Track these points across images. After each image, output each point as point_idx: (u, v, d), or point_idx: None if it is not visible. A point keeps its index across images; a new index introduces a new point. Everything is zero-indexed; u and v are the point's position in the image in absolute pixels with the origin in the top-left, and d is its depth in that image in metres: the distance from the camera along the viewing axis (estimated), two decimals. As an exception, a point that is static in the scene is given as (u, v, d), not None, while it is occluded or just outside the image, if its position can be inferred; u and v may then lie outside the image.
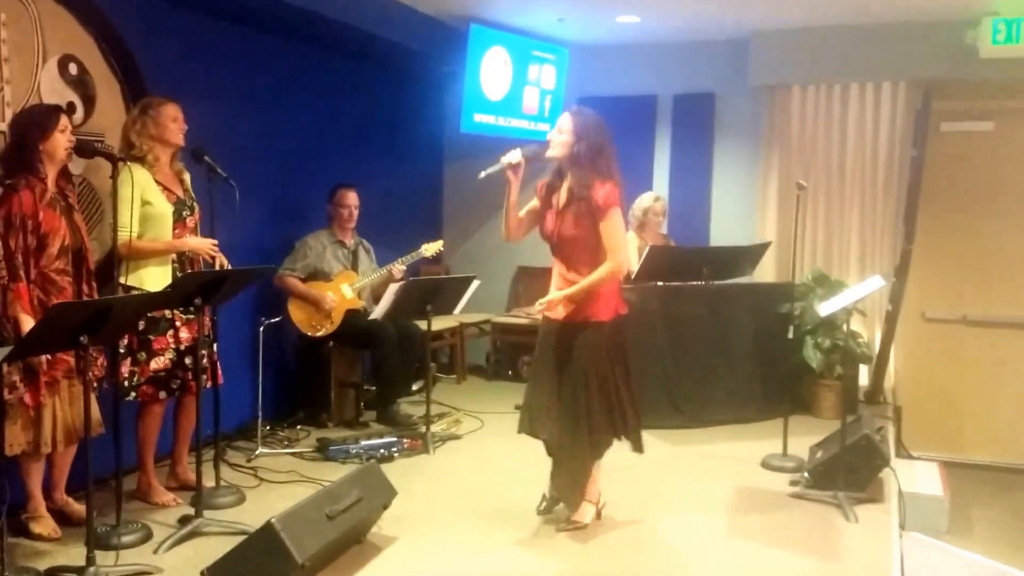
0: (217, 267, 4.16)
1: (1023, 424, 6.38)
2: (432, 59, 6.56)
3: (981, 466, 6.34)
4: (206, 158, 4.17)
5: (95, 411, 3.63)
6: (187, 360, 4.11)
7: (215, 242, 4.15)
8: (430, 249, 5.65)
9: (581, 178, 3.79)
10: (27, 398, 3.47)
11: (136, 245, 3.95)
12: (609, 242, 3.78)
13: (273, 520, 3.10)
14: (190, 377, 4.11)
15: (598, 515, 4.05)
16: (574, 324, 3.85)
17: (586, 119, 3.86)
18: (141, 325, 3.97)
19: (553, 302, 3.86)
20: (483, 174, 3.91)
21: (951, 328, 6.59)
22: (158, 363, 4.05)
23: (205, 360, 4.06)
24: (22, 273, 3.47)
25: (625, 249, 3.99)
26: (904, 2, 5.69)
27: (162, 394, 4.10)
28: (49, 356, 3.49)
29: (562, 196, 3.90)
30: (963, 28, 5.83)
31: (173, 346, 4.09)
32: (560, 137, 3.84)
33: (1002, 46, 5.66)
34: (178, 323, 4.10)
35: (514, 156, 3.86)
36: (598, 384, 3.83)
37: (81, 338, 3.10)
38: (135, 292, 3.94)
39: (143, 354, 4.03)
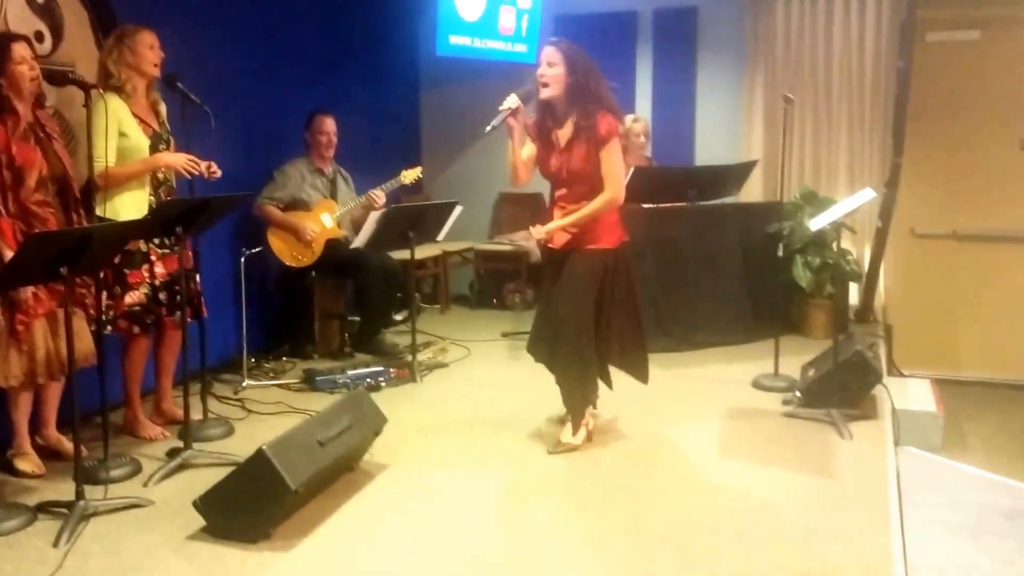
0: (203, 172, 4.00)
1: (1015, 340, 6.39)
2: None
3: (973, 382, 6.36)
4: (179, 84, 4.03)
5: (88, 342, 3.58)
6: (162, 296, 4.02)
7: (191, 157, 3.99)
8: (409, 176, 5.53)
9: (584, 110, 3.76)
10: (19, 329, 3.38)
11: (111, 171, 3.82)
12: (608, 170, 3.79)
13: (264, 447, 3.04)
14: (164, 312, 4.03)
15: (589, 437, 4.03)
16: (575, 251, 3.87)
17: (573, 49, 3.79)
18: (116, 259, 3.85)
19: (552, 231, 3.88)
20: (488, 128, 3.85)
21: (941, 243, 6.55)
22: (132, 297, 3.96)
23: (192, 291, 3.97)
24: (1, 208, 3.35)
25: (622, 178, 3.96)
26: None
27: (136, 328, 4.01)
28: (34, 291, 3.39)
29: (564, 132, 3.85)
30: (951, -68, 5.70)
31: (148, 281, 3.99)
32: (552, 71, 3.77)
33: (988, -49, 5.53)
34: (153, 257, 4.00)
35: (512, 101, 3.82)
36: (584, 303, 3.83)
37: (61, 269, 3.00)
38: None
39: (118, 288, 3.93)
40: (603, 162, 3.78)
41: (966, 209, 6.46)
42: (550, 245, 3.94)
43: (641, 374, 4.09)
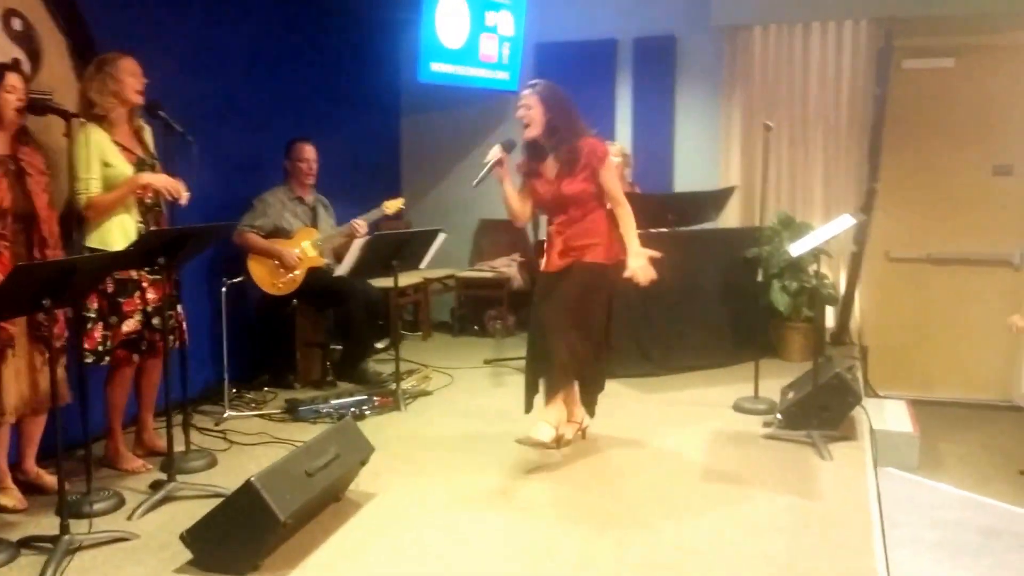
0: (183, 198, 3.98)
1: (988, 360, 6.47)
2: (387, 7, 6.40)
3: (947, 403, 6.42)
4: (161, 112, 4.01)
5: (45, 382, 3.52)
6: (155, 321, 4.00)
7: (173, 181, 3.97)
8: (392, 206, 5.54)
9: (565, 144, 4.05)
10: None
11: (95, 200, 3.81)
12: (612, 187, 4.10)
13: (253, 479, 3.02)
14: (157, 338, 4.01)
15: (559, 441, 4.14)
16: (576, 264, 4.08)
17: (548, 89, 4.09)
18: (111, 288, 3.86)
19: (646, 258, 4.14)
20: (476, 182, 4.09)
21: (915, 267, 6.63)
22: (129, 325, 3.94)
23: (171, 321, 3.96)
24: None
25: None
26: (865, -61, 5.64)
27: (135, 356, 4.01)
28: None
29: (550, 164, 4.13)
30: (924, -36, 5.82)
31: (141, 307, 3.97)
32: (531, 113, 4.05)
33: (962, -19, 5.65)
34: (144, 284, 3.98)
35: (495, 153, 4.08)
36: (575, 309, 4.01)
37: (44, 301, 2.98)
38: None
39: (115, 318, 3.90)
40: (605, 181, 4.07)
41: (940, 233, 6.55)
42: (549, 269, 4.15)
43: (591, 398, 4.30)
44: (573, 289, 4.04)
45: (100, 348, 3.86)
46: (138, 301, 3.96)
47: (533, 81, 4.21)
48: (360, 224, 5.43)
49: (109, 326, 3.89)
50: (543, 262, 4.26)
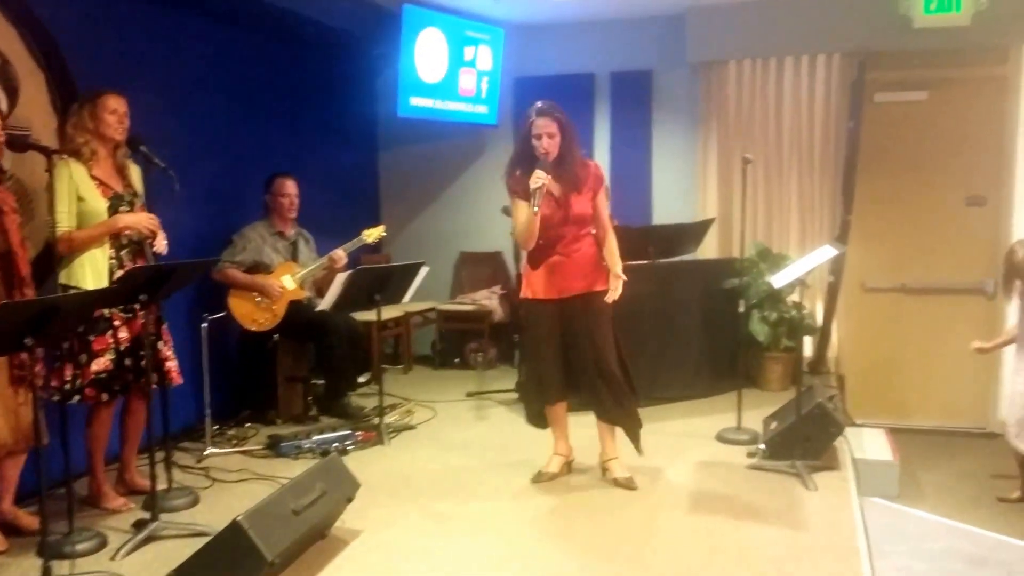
0: (158, 244, 3.97)
1: (962, 388, 6.53)
2: (364, 42, 6.44)
3: (924, 431, 6.46)
4: (143, 148, 4.00)
5: (27, 420, 3.47)
6: (127, 361, 3.95)
7: (153, 217, 3.96)
8: (371, 235, 5.50)
9: (573, 163, 4.09)
10: None
11: (72, 235, 3.79)
12: (605, 213, 4.23)
13: (240, 518, 3.00)
14: (130, 378, 3.96)
15: (568, 468, 4.40)
16: (591, 294, 4.16)
17: (562, 113, 4.08)
18: (81, 326, 3.79)
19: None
20: (536, 209, 3.95)
21: (890, 296, 6.70)
22: (99, 364, 3.88)
23: (156, 358, 3.93)
24: None
25: None
26: (836, -26, 5.75)
27: (104, 396, 3.93)
28: None
29: (553, 187, 4.07)
30: (896, -2, 5.92)
31: (113, 346, 3.92)
32: (553, 141, 4.02)
33: (934, 15, 5.74)
34: (117, 322, 3.94)
35: (543, 177, 3.94)
36: (614, 343, 4.20)
37: (26, 340, 2.94)
38: (73, 291, 3.75)
39: (83, 356, 3.85)
40: (601, 203, 4.19)
41: (914, 264, 6.63)
42: (564, 295, 4.15)
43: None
44: (607, 326, 4.16)
45: (68, 387, 3.80)
46: (110, 339, 3.91)
47: (544, 105, 4.09)
48: (339, 255, 5.41)
49: (79, 364, 3.84)
50: (539, 286, 4.18)
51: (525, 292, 4.28)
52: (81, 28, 4.47)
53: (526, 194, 3.98)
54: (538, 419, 4.45)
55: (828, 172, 6.53)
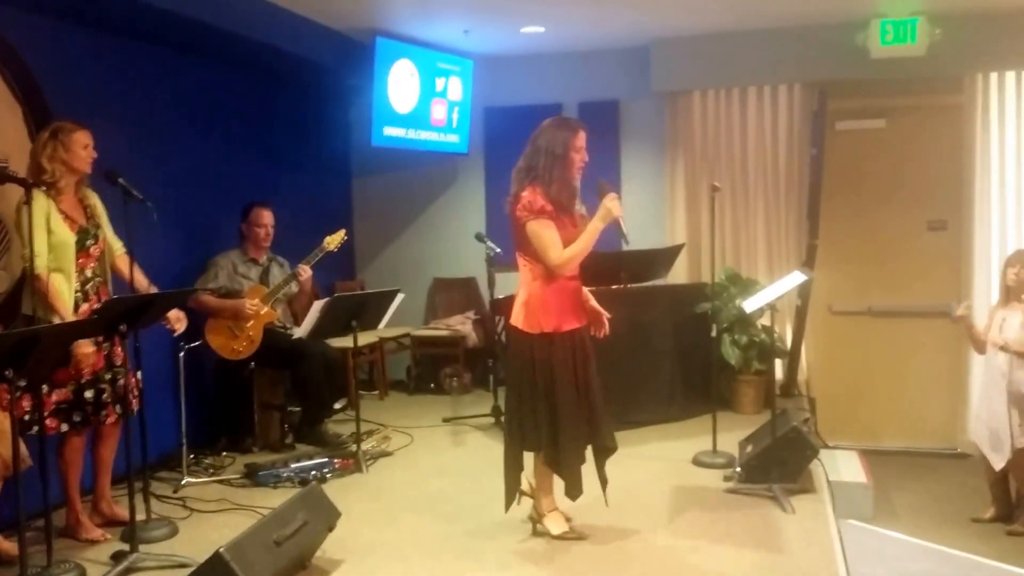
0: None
1: (931, 408, 6.67)
2: (337, 73, 6.49)
3: (894, 452, 6.58)
4: (121, 180, 4.00)
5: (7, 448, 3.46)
6: (87, 394, 3.93)
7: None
8: (332, 241, 5.42)
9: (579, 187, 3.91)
10: None
11: (48, 287, 3.75)
12: None
13: (222, 550, 3.00)
14: (90, 411, 3.95)
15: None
16: (587, 332, 3.98)
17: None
18: (58, 357, 3.76)
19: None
20: (629, 239, 3.94)
21: (857, 319, 6.84)
22: (59, 395, 3.87)
23: (119, 388, 3.94)
24: None
25: None
26: (797, 6, 5.88)
27: (64, 426, 3.91)
28: None
29: (579, 209, 3.95)
30: (854, 30, 6.08)
31: (75, 378, 3.90)
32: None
33: (891, 46, 5.94)
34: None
35: (619, 206, 3.84)
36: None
37: (6, 372, 2.94)
38: (43, 323, 3.72)
39: (44, 386, 3.80)
40: None
41: (879, 287, 6.78)
42: (574, 327, 3.84)
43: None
44: (592, 362, 3.86)
45: (27, 417, 3.75)
46: (72, 371, 3.88)
47: (574, 119, 4.00)
48: (303, 269, 5.39)
49: (37, 395, 3.80)
50: (564, 316, 3.80)
51: (540, 326, 3.75)
52: (59, 62, 4.49)
53: (567, 211, 3.81)
54: (578, 485, 3.88)
55: (793, 198, 6.67)
